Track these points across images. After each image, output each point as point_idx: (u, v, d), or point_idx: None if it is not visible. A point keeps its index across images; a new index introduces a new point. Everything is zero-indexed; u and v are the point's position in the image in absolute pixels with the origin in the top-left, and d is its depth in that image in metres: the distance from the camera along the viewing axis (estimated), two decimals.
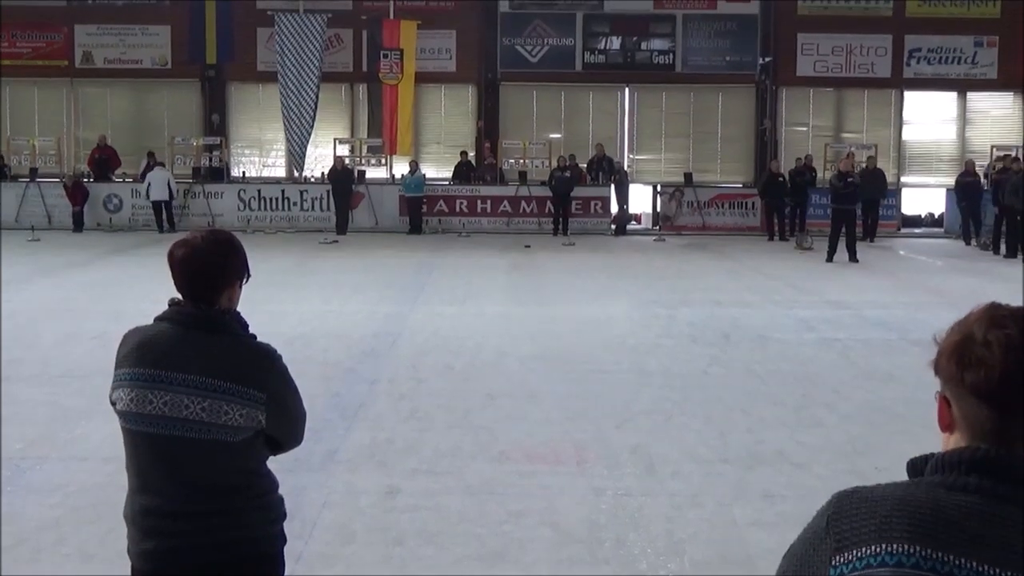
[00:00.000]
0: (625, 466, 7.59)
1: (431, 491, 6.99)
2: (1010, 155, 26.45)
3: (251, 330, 3.44)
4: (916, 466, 1.97)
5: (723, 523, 6.49)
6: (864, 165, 26.24)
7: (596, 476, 7.37)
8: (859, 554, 1.83)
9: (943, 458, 1.91)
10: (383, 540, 6.20)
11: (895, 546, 1.81)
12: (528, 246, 23.82)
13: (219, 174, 28.51)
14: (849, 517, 1.89)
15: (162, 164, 27.43)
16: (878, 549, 1.82)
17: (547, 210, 27.47)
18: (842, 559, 1.85)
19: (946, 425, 1.95)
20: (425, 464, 7.58)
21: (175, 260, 3.36)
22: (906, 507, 1.85)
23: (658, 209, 28.34)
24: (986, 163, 28.13)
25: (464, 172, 28.99)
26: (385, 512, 6.63)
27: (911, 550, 1.79)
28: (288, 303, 14.69)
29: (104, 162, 28.71)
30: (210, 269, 3.35)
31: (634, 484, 7.21)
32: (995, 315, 1.90)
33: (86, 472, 7.24)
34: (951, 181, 28.31)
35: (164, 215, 26.43)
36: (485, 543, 6.15)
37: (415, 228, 26.86)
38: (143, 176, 28.19)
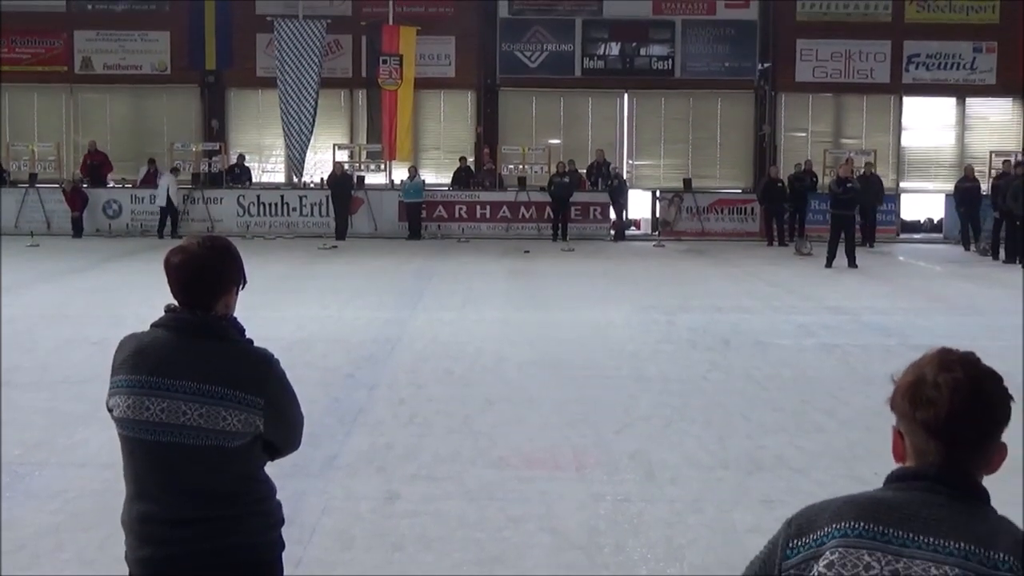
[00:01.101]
0: (624, 472, 7.58)
1: (430, 496, 6.98)
2: (1010, 160, 26.45)
3: (250, 335, 3.44)
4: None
5: (723, 529, 6.48)
6: (863, 171, 26.20)
7: (595, 482, 7.36)
8: (812, 536, 2.15)
9: (892, 474, 2.20)
10: (382, 546, 6.19)
11: (843, 523, 2.12)
12: (527, 252, 23.81)
13: (219, 179, 28.50)
14: (806, 514, 2.23)
15: (175, 170, 27.26)
16: (828, 529, 2.13)
17: (546, 216, 27.47)
18: (798, 542, 2.18)
19: (899, 456, 2.23)
20: (424, 469, 7.58)
21: (171, 266, 3.35)
22: (855, 500, 2.17)
23: (657, 215, 28.33)
24: (985, 168, 28.09)
25: (463, 178, 29.00)
26: (384, 517, 6.63)
27: (856, 525, 2.10)
28: (287, 308, 14.69)
29: (97, 168, 28.69)
30: (206, 275, 3.34)
31: (633, 490, 7.20)
32: (945, 359, 2.18)
33: (85, 478, 7.22)
34: (950, 187, 28.32)
35: (168, 221, 26.33)
36: (484, 548, 6.15)
37: (414, 234, 26.86)
38: (143, 182, 28.31)
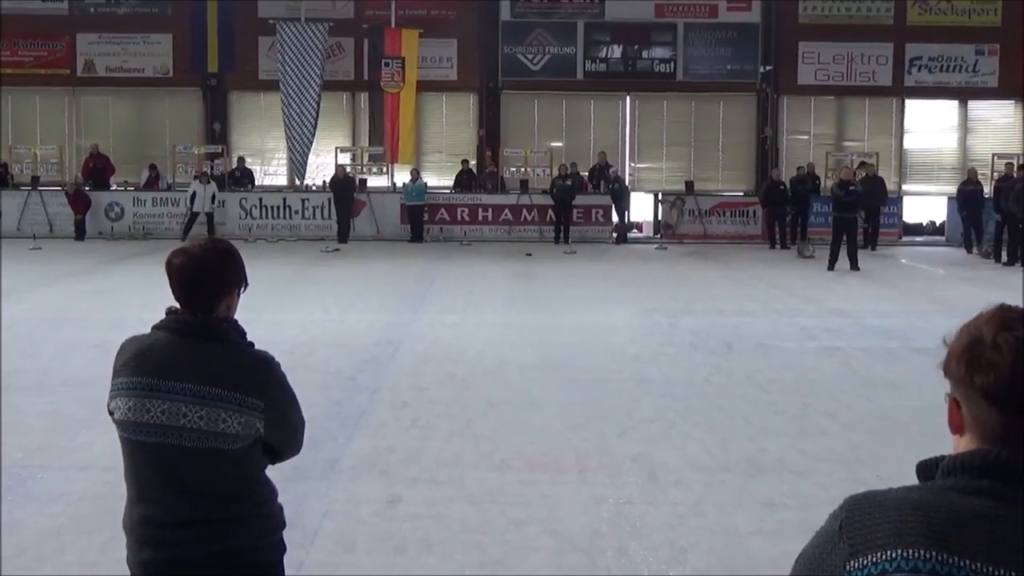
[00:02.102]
0: (627, 475, 7.58)
1: (432, 500, 6.98)
2: (1012, 163, 26.46)
3: (252, 338, 3.43)
4: (927, 469, 1.96)
5: (725, 532, 6.47)
6: (864, 173, 26.21)
7: (598, 485, 7.36)
8: (874, 559, 1.82)
9: (954, 461, 1.90)
10: (384, 549, 6.18)
11: (911, 551, 1.80)
12: (529, 254, 23.82)
13: (221, 182, 28.49)
14: (862, 521, 1.88)
15: (207, 175, 27.24)
16: (894, 554, 1.81)
17: (548, 218, 27.48)
18: (856, 564, 1.84)
19: (956, 427, 1.95)
20: (426, 473, 7.57)
21: (173, 268, 3.35)
22: (920, 511, 1.84)
23: (659, 217, 28.34)
24: (988, 171, 28.09)
25: (465, 180, 29.01)
26: (386, 521, 6.62)
27: (927, 555, 1.79)
28: (289, 311, 14.69)
29: (99, 171, 28.72)
30: (208, 278, 3.34)
31: (636, 493, 7.20)
32: (1005, 317, 1.91)
33: (86, 481, 7.22)
34: (952, 189, 28.32)
35: (207, 225, 26.33)
36: (487, 552, 6.14)
37: (416, 236, 26.87)
38: (145, 185, 28.38)
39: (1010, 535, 1.80)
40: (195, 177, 27.10)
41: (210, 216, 26.38)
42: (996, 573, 1.77)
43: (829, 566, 1.89)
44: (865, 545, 1.84)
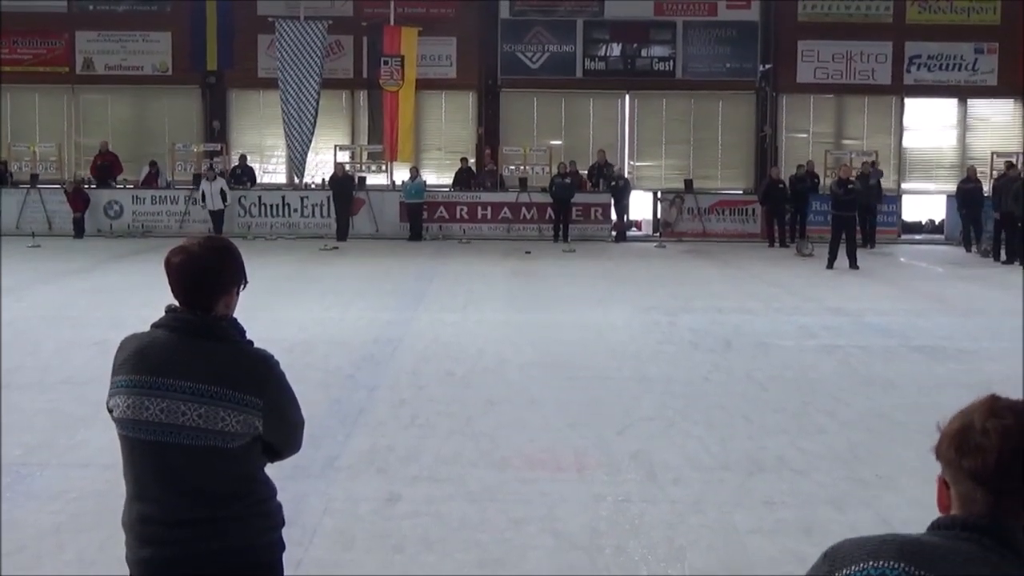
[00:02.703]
0: (626, 473, 7.58)
1: (432, 498, 6.98)
2: (1012, 161, 26.48)
3: (251, 336, 3.43)
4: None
5: (724, 530, 6.48)
6: (861, 171, 26.23)
7: (597, 483, 7.36)
8: (848, 571, 2.02)
9: (939, 520, 2.10)
10: (383, 547, 6.19)
11: (882, 562, 2.00)
12: (528, 253, 23.82)
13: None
14: (844, 547, 2.09)
15: (220, 174, 27.20)
16: (865, 565, 2.01)
17: (547, 217, 27.48)
18: None
19: (944, 506, 2.12)
20: (426, 471, 7.57)
21: (172, 267, 3.35)
22: (897, 541, 2.05)
23: (658, 215, 28.35)
24: (987, 169, 28.09)
25: (464, 178, 29.01)
26: (385, 519, 6.62)
27: (896, 565, 1.98)
28: (288, 310, 14.69)
29: (107, 168, 28.73)
30: (207, 276, 3.34)
31: (635, 491, 7.20)
32: (995, 406, 2.06)
33: (86, 479, 7.22)
34: (952, 188, 28.32)
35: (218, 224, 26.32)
36: (486, 550, 6.14)
37: (416, 235, 26.87)
38: (144, 183, 28.37)
39: (978, 568, 1.96)
40: (203, 176, 27.05)
41: (220, 213, 26.34)
42: None
43: None
44: (843, 563, 2.06)
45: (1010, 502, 2.02)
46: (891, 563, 1.99)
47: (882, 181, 27.46)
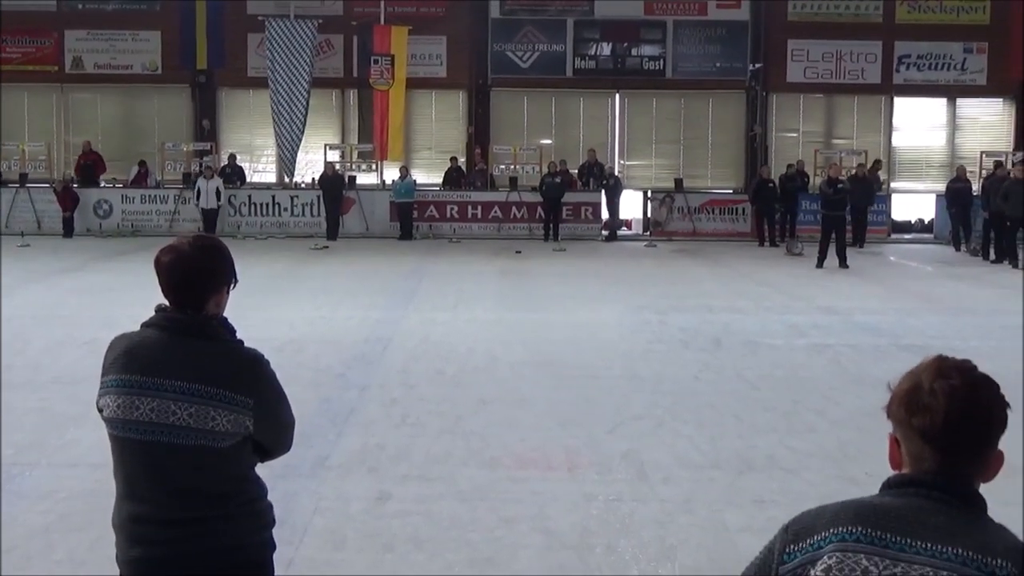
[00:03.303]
0: (616, 472, 7.59)
1: (422, 497, 6.98)
2: (1001, 160, 26.55)
3: (241, 336, 3.43)
4: None
5: (714, 529, 6.49)
6: (854, 171, 26.30)
7: (587, 482, 7.37)
8: (809, 541, 2.15)
9: (890, 479, 2.21)
10: (374, 546, 6.19)
11: (840, 528, 2.12)
12: (519, 252, 23.82)
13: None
14: (803, 520, 2.23)
15: (211, 171, 27.14)
16: (825, 533, 2.14)
17: (538, 216, 27.48)
18: (795, 547, 2.18)
19: (896, 463, 2.23)
20: (416, 470, 7.58)
21: (162, 266, 3.35)
22: (852, 506, 2.17)
23: (649, 215, 28.36)
24: (976, 169, 28.17)
25: (455, 178, 29.00)
26: (376, 518, 6.62)
27: (854, 529, 2.10)
28: (279, 309, 14.68)
29: (90, 168, 28.63)
30: (197, 275, 3.34)
31: (625, 490, 7.21)
32: (942, 366, 2.17)
33: (76, 478, 7.21)
34: (941, 187, 28.38)
35: (205, 221, 26.20)
36: (476, 549, 6.15)
37: (406, 234, 26.84)
38: (133, 182, 28.30)
39: (929, 519, 2.08)
40: (200, 174, 26.98)
41: (214, 212, 26.29)
42: (914, 544, 2.06)
43: (773, 560, 2.23)
44: (803, 534, 2.19)
45: (957, 459, 2.13)
46: (849, 528, 2.11)
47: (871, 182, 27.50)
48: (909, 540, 2.06)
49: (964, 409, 2.11)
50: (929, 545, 2.05)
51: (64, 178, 27.84)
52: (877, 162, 28.83)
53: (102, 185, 28.92)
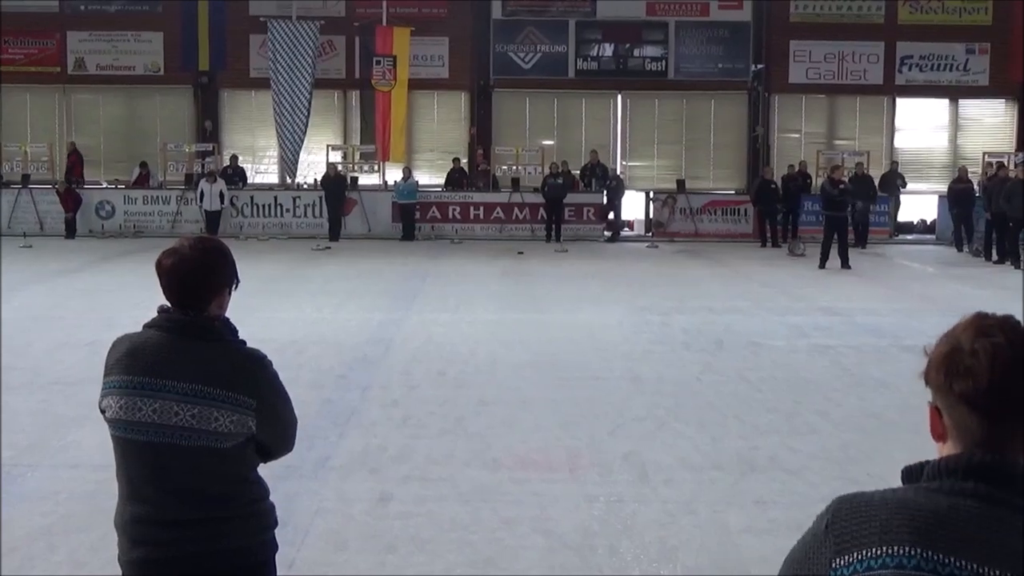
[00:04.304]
0: (618, 473, 7.59)
1: (423, 498, 6.98)
2: (1003, 161, 26.53)
3: (243, 337, 3.43)
4: (912, 473, 1.99)
5: (716, 530, 6.49)
6: (854, 171, 26.32)
7: (589, 483, 7.37)
8: (859, 556, 1.87)
9: (939, 465, 1.93)
10: (375, 547, 6.18)
11: (895, 548, 1.84)
12: (521, 253, 23.82)
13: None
14: (848, 520, 1.92)
15: (214, 174, 27.15)
16: (878, 552, 1.85)
17: (540, 217, 27.48)
18: (842, 561, 1.88)
19: (939, 435, 1.98)
20: (417, 471, 7.57)
21: (164, 268, 3.35)
22: (906, 511, 1.88)
23: (651, 216, 28.36)
24: (978, 169, 28.17)
25: (457, 179, 29.01)
26: (377, 519, 6.62)
27: (912, 552, 1.83)
28: (280, 310, 14.68)
29: (71, 169, 28.55)
30: (199, 277, 3.34)
31: (627, 491, 7.20)
32: (982, 324, 1.95)
33: (77, 480, 7.21)
34: (943, 188, 28.37)
35: (208, 224, 26.27)
36: (478, 550, 6.14)
37: (408, 235, 26.85)
38: (135, 183, 28.27)
39: (993, 534, 1.83)
40: (203, 177, 27.00)
41: (216, 214, 26.30)
42: (980, 570, 1.80)
43: (815, 565, 1.93)
44: (851, 543, 1.89)
45: (1007, 426, 1.91)
46: (906, 548, 1.84)
47: (875, 181, 27.52)
48: (974, 565, 1.81)
49: (1010, 369, 1.88)
50: (987, 570, 1.81)
51: (66, 179, 27.82)
52: (894, 163, 29.14)
53: (103, 186, 28.94)
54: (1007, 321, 1.97)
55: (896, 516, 1.88)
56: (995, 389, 1.88)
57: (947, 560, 1.82)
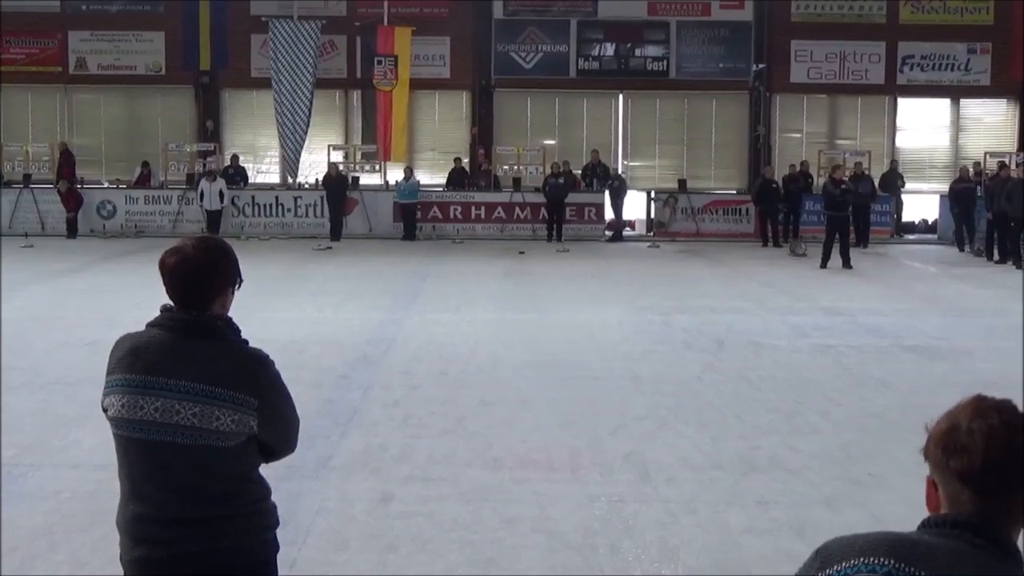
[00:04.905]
0: (619, 472, 7.59)
1: (425, 498, 6.98)
2: (1004, 161, 26.51)
3: (244, 336, 3.43)
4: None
5: (717, 530, 6.49)
6: (854, 171, 26.31)
7: (590, 482, 7.37)
8: (839, 568, 2.07)
9: (930, 519, 2.12)
10: (377, 547, 6.19)
11: (872, 559, 2.04)
12: (522, 252, 23.81)
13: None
14: (836, 545, 2.13)
15: (214, 173, 27.15)
16: (856, 561, 2.05)
17: (541, 217, 27.47)
18: (825, 573, 2.08)
19: (933, 506, 2.15)
20: (419, 471, 7.57)
21: (167, 268, 3.35)
22: (887, 538, 2.09)
23: (652, 215, 28.36)
24: (980, 169, 28.16)
25: (458, 178, 29.02)
26: (379, 519, 6.62)
27: (886, 562, 2.02)
28: (282, 310, 14.68)
29: (59, 169, 28.48)
30: (201, 276, 3.34)
31: (628, 490, 7.20)
32: (980, 406, 2.09)
33: (79, 479, 7.21)
34: (945, 188, 28.36)
35: (209, 223, 26.28)
36: (479, 550, 6.15)
37: (409, 234, 26.85)
38: (136, 183, 28.26)
39: (969, 563, 1.99)
40: (204, 176, 27.01)
41: (217, 213, 26.31)
42: None
43: None
44: (834, 560, 2.10)
45: (997, 502, 2.04)
46: (882, 559, 2.02)
47: (875, 181, 27.50)
48: None
49: (1003, 450, 2.03)
50: None
51: (67, 179, 27.81)
52: (894, 163, 29.17)
53: (104, 186, 28.94)
54: (1004, 405, 2.10)
55: (879, 540, 2.08)
56: (988, 468, 2.02)
57: (919, 573, 1.98)
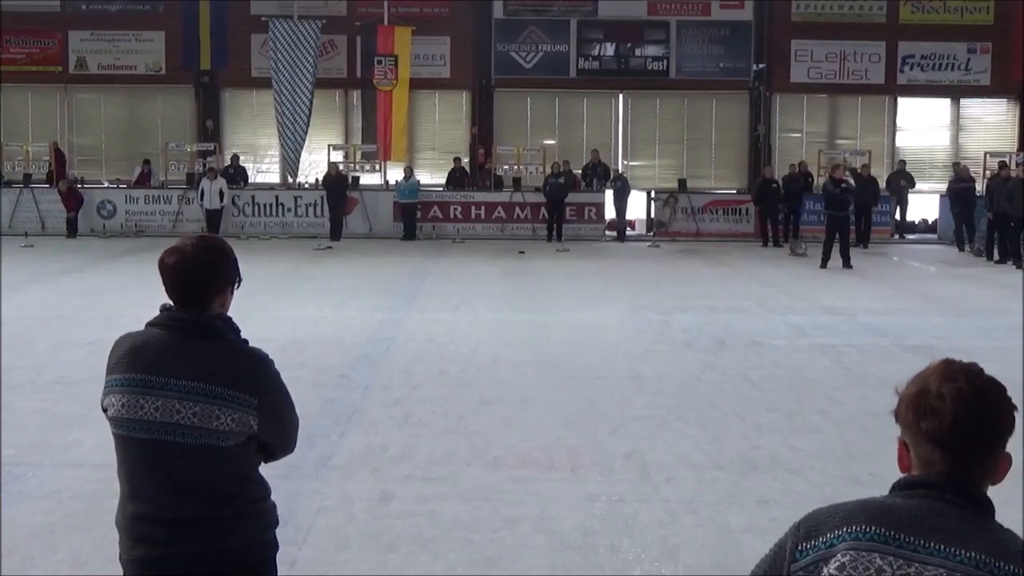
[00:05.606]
0: (619, 472, 7.59)
1: (425, 497, 6.98)
2: (1005, 160, 26.51)
3: (244, 336, 3.43)
4: None
5: (717, 529, 6.49)
6: (858, 171, 26.33)
7: (590, 482, 7.37)
8: (822, 539, 2.16)
9: (899, 481, 2.23)
10: (377, 546, 6.18)
11: (854, 527, 2.14)
12: (522, 252, 23.81)
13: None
14: (815, 517, 2.23)
15: (215, 172, 27.15)
16: (839, 532, 2.15)
17: (541, 216, 27.46)
18: (807, 545, 2.19)
19: (905, 467, 2.26)
20: (419, 470, 7.57)
21: (166, 267, 3.35)
22: (866, 506, 2.19)
23: (652, 215, 28.35)
24: (980, 169, 28.16)
25: (458, 178, 29.02)
26: (379, 518, 6.62)
27: (868, 528, 2.12)
28: (282, 309, 14.68)
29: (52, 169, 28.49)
30: (201, 275, 3.34)
31: (628, 490, 7.20)
32: (948, 370, 2.20)
33: (79, 479, 7.21)
34: (945, 187, 28.36)
35: (209, 222, 26.27)
36: (479, 549, 6.14)
37: (409, 234, 26.85)
38: (137, 182, 28.23)
39: (940, 520, 2.10)
40: (204, 175, 27.00)
41: (217, 213, 26.30)
42: (927, 545, 2.07)
43: (784, 557, 2.23)
44: (816, 531, 2.19)
45: (966, 461, 2.15)
46: (863, 527, 2.12)
47: (879, 183, 27.52)
48: (922, 541, 2.08)
49: (971, 412, 2.12)
50: (942, 547, 2.06)
51: (68, 178, 27.82)
52: (901, 162, 29.33)
53: (105, 185, 28.93)
54: (972, 368, 2.21)
55: (857, 509, 2.18)
56: (957, 429, 2.13)
57: (899, 536, 2.09)
